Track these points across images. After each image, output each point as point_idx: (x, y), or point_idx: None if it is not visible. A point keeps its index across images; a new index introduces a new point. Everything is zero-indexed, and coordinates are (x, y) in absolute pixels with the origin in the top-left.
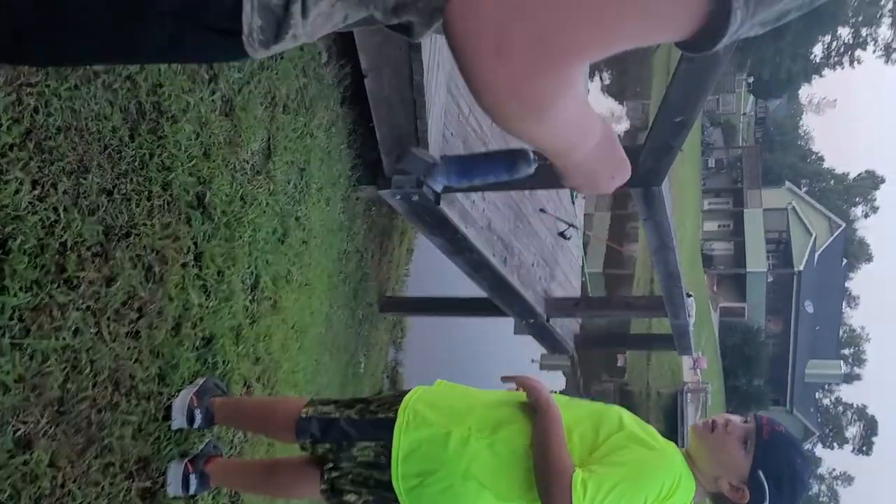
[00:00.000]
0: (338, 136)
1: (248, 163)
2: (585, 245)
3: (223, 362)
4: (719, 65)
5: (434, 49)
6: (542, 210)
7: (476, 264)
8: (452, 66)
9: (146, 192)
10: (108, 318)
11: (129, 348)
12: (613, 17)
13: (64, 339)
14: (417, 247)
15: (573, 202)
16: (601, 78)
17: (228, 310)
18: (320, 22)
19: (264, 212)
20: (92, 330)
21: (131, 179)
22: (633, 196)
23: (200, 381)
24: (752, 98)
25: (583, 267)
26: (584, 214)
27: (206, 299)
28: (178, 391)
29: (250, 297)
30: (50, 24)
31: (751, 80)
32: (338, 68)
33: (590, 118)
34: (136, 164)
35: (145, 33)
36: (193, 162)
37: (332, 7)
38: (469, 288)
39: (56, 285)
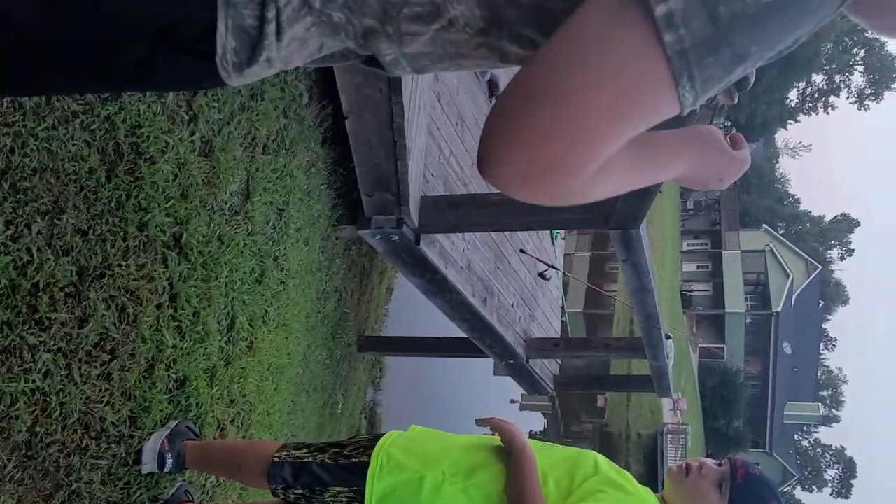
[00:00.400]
0: (318, 177)
1: (226, 203)
2: (565, 286)
3: (196, 405)
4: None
5: (415, 91)
6: (521, 251)
7: (456, 305)
8: (433, 107)
9: (122, 233)
10: (80, 360)
11: (100, 390)
12: (602, 133)
13: (34, 381)
14: (397, 286)
15: (553, 242)
16: None
17: (203, 351)
18: (295, 47)
19: (242, 252)
20: (62, 372)
21: (107, 220)
22: (611, 238)
23: (173, 423)
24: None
25: (563, 308)
26: (564, 254)
27: (180, 340)
28: (150, 434)
29: (226, 338)
30: (23, 51)
31: (728, 124)
32: (318, 109)
33: (660, 151)
34: (113, 204)
35: (118, 56)
36: (171, 202)
37: (307, 32)
38: (448, 328)
39: (27, 326)
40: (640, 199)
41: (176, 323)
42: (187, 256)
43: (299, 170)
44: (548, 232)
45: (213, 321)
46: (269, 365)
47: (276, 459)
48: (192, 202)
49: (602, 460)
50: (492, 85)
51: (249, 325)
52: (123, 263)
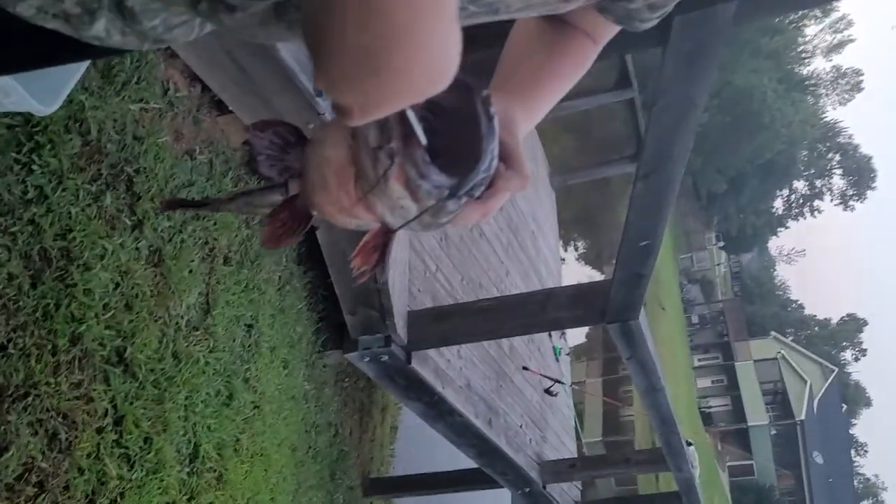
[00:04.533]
0: (293, 295)
1: (182, 317)
2: (580, 414)
3: None
4: (674, 182)
5: None
6: (524, 368)
7: (459, 428)
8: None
9: (49, 347)
10: None
11: None
12: None
13: None
14: (402, 423)
15: (557, 359)
16: (575, 247)
17: (158, 483)
18: None
19: (203, 371)
20: None
21: (31, 332)
22: (611, 334)
23: None
24: (724, 253)
25: (576, 426)
26: (575, 382)
27: (128, 471)
28: None
29: (188, 469)
30: None
31: (720, 237)
32: None
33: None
34: (38, 314)
35: None
36: (111, 313)
37: None
38: (461, 460)
39: None
40: (632, 288)
41: (122, 450)
42: (134, 374)
43: (268, 284)
44: (550, 349)
45: (169, 448)
46: (245, 501)
47: None
48: (138, 314)
49: None
50: None
51: (217, 453)
52: (52, 381)
